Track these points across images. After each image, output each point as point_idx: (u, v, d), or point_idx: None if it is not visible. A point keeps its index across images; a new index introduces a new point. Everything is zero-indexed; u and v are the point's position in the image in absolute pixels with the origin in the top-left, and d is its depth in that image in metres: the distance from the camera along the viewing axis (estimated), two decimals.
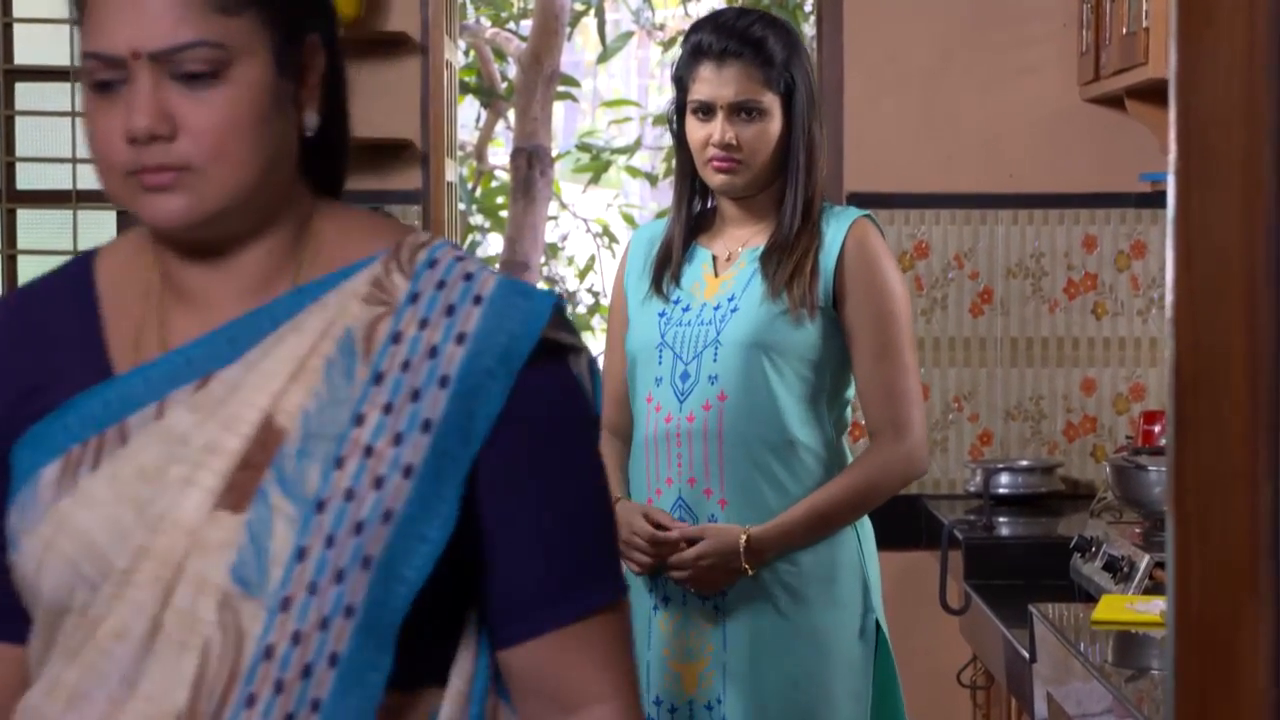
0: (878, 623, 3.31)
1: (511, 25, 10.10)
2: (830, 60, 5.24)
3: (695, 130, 3.26)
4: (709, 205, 3.39)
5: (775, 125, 3.25)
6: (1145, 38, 4.30)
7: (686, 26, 9.87)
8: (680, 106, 3.30)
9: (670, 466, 3.24)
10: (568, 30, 9.34)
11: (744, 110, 3.23)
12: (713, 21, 3.27)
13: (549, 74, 8.87)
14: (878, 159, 5.13)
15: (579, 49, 13.35)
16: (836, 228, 3.27)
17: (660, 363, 3.26)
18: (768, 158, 3.25)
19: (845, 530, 3.29)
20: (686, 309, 3.27)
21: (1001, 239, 5.12)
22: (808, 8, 9.64)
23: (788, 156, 3.27)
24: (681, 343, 3.25)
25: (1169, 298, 1.56)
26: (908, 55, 5.12)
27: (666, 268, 3.31)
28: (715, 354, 3.22)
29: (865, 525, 3.34)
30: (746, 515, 3.22)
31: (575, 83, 10.67)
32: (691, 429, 3.22)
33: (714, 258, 3.32)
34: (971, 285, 5.12)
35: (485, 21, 10.02)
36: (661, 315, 3.29)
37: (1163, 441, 4.32)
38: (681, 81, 3.28)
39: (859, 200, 5.10)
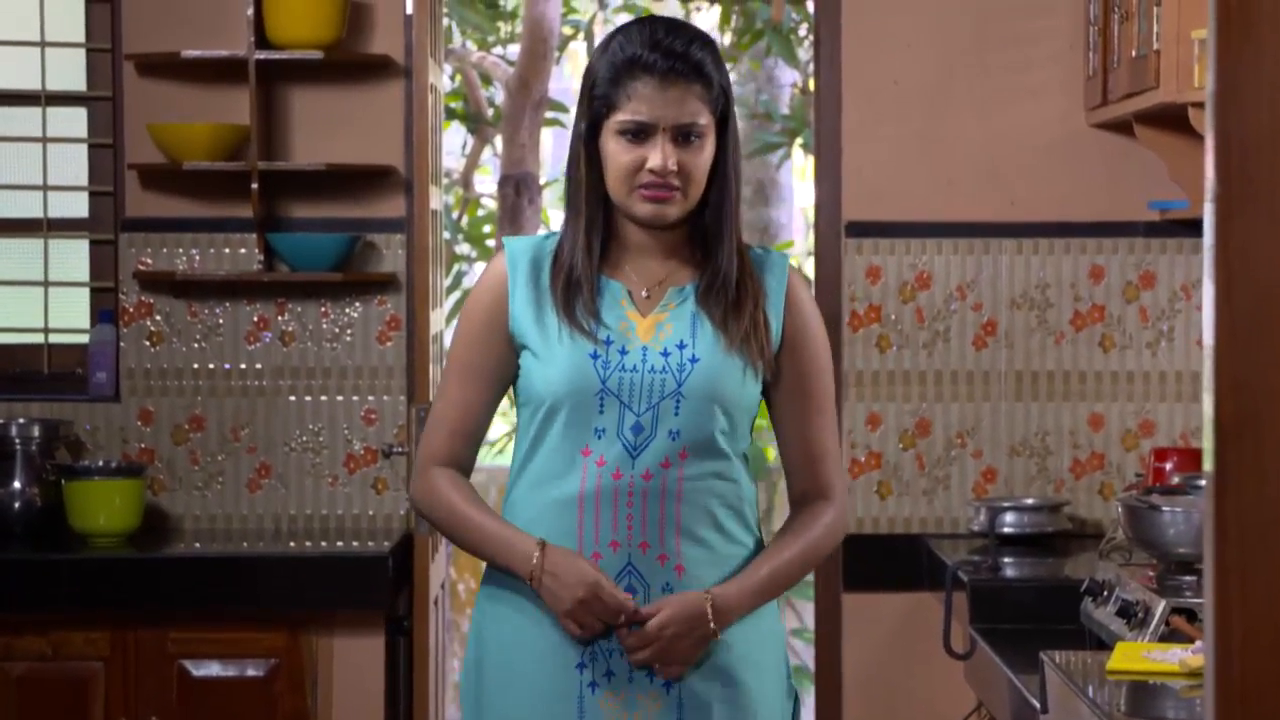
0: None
1: (499, 50, 10.04)
2: (828, 84, 5.18)
3: (621, 153, 3.03)
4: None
5: (710, 150, 3.06)
6: (1156, 60, 4.25)
7: None
8: (594, 123, 3.07)
9: (617, 529, 3.02)
10: (556, 55, 9.28)
11: (687, 133, 3.03)
12: (647, 37, 3.04)
13: (537, 100, 8.81)
14: (877, 186, 5.07)
15: (568, 76, 13.31)
16: (776, 276, 3.11)
17: (602, 412, 3.02)
18: (700, 186, 3.06)
19: (770, 604, 3.15)
20: (624, 352, 3.05)
21: (1005, 269, 5.06)
22: (803, 31, 9.59)
23: (716, 184, 3.08)
24: (631, 391, 3.03)
25: (1207, 336, 1.48)
26: (908, 79, 5.06)
27: (576, 300, 3.07)
28: (677, 407, 3.02)
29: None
30: (703, 582, 3.03)
31: (564, 109, 10.61)
32: (648, 488, 3.02)
33: (629, 292, 3.10)
34: (974, 317, 5.06)
35: (471, 46, 9.96)
36: (595, 357, 3.04)
37: (1175, 480, 4.25)
38: (605, 97, 3.05)
39: (858, 230, 5.04)
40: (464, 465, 3.17)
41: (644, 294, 3.10)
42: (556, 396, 3.04)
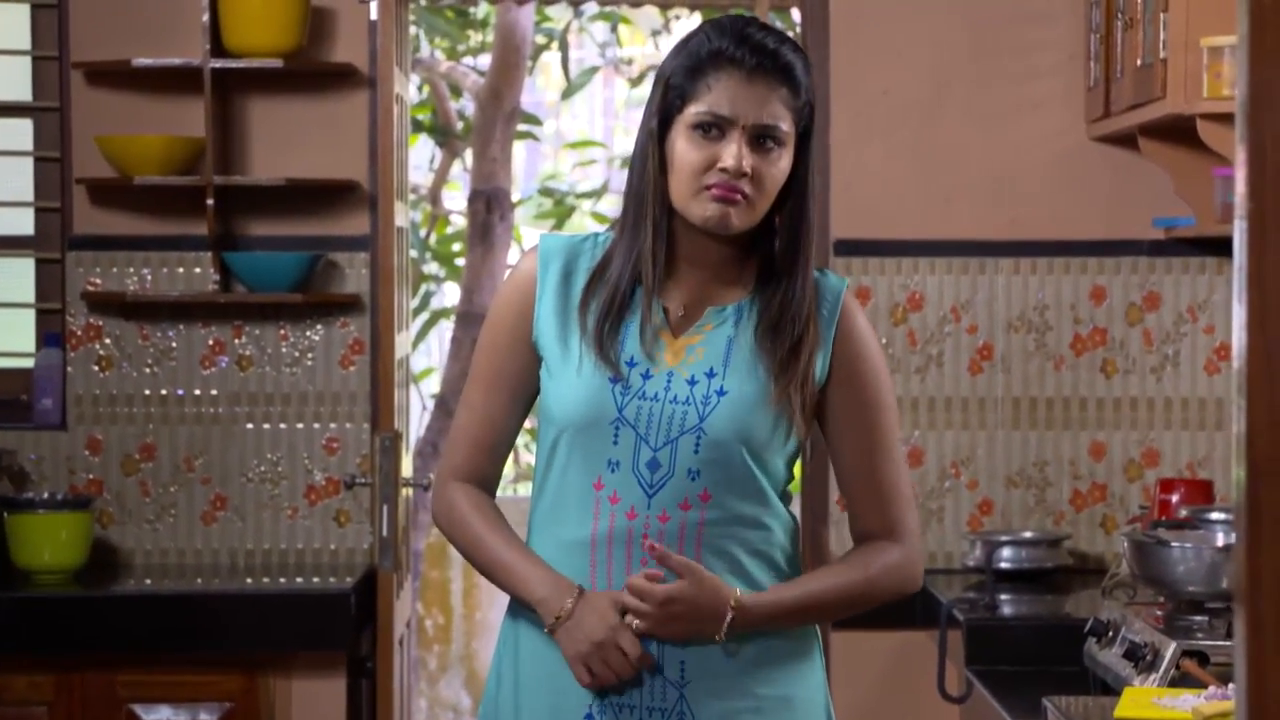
0: None
1: (469, 60, 9.98)
2: (816, 96, 5.12)
3: (692, 149, 2.89)
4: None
5: (787, 163, 2.92)
6: (1163, 70, 4.20)
7: (656, 63, 9.77)
8: (666, 117, 2.94)
9: (630, 573, 2.89)
10: (529, 65, 9.22)
11: (766, 137, 2.89)
12: (736, 33, 2.92)
13: (509, 111, 8.75)
14: (867, 203, 5.02)
15: (540, 89, 13.27)
16: (828, 305, 2.97)
17: (616, 443, 2.90)
18: (771, 199, 2.92)
19: (813, 659, 3.00)
20: (646, 376, 2.92)
21: (1002, 290, 5.02)
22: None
23: (791, 205, 2.94)
24: (648, 423, 2.90)
25: (1238, 363, 1.41)
26: (899, 89, 5.02)
27: (606, 320, 2.94)
28: (697, 444, 2.89)
29: (821, 649, 3.05)
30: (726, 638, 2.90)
31: (537, 121, 10.57)
32: (665, 530, 2.88)
33: (664, 309, 2.96)
34: (969, 340, 5.01)
35: (440, 55, 9.90)
36: (614, 382, 2.91)
37: (1183, 513, 4.20)
38: (680, 89, 2.92)
39: (847, 248, 4.99)
40: (487, 480, 3.06)
41: (680, 311, 2.98)
42: (568, 422, 2.93)
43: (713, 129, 2.90)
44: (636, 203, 2.98)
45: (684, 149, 2.91)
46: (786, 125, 2.91)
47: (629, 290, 2.96)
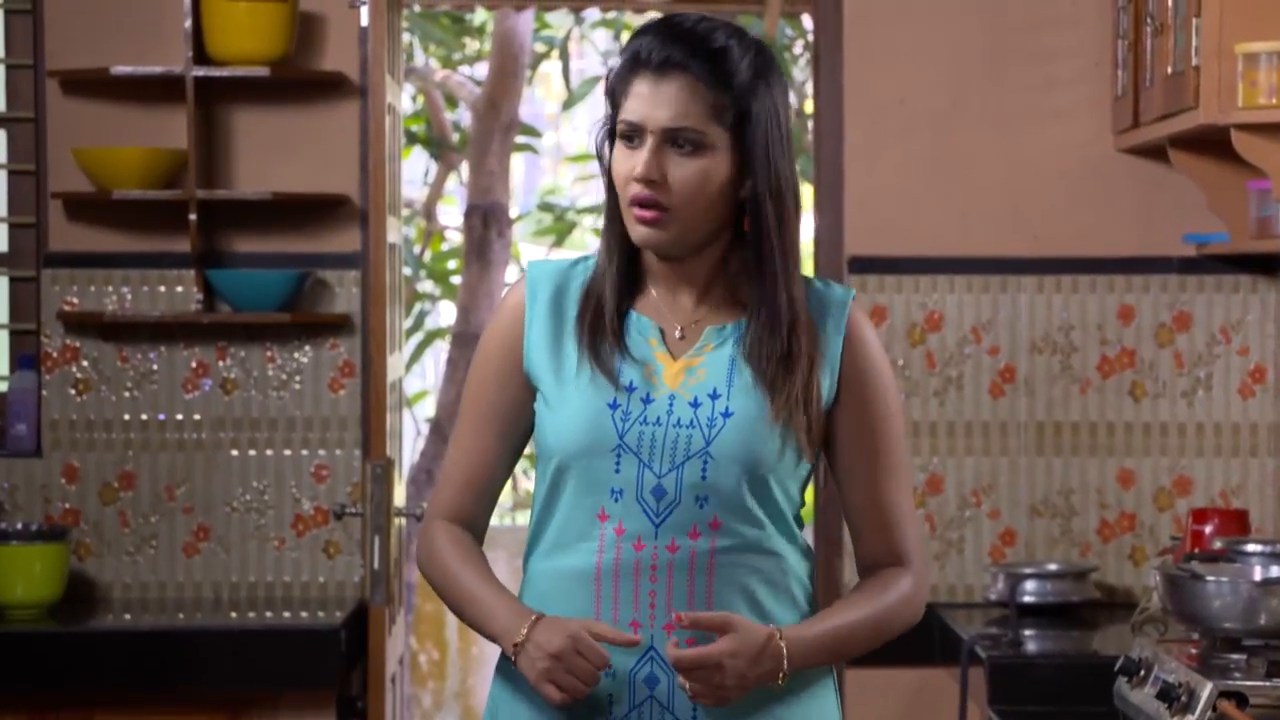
0: None
1: (465, 69, 9.96)
2: (828, 105, 5.11)
3: (619, 161, 2.88)
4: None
5: (721, 167, 2.86)
6: (1195, 78, 4.18)
7: None
8: (611, 130, 2.93)
9: (638, 608, 2.87)
10: (528, 75, 9.20)
11: (680, 141, 2.85)
12: (662, 26, 2.90)
13: (507, 123, 8.73)
14: (882, 218, 5.01)
15: (540, 100, 13.26)
16: (834, 319, 2.94)
17: (619, 470, 2.88)
18: (704, 209, 2.87)
19: (827, 692, 2.97)
20: (647, 399, 2.90)
21: (1025, 309, 5.00)
22: (798, 49, 9.52)
23: (749, 209, 2.89)
24: (651, 448, 2.88)
25: None
26: (916, 98, 5.00)
27: (600, 338, 2.92)
28: (704, 469, 2.87)
29: (835, 682, 3.02)
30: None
31: (536, 133, 10.55)
32: (674, 561, 2.86)
33: (660, 331, 2.95)
34: (991, 362, 4.99)
35: (435, 64, 9.88)
36: (614, 407, 2.89)
37: (1217, 544, 4.16)
38: (614, 97, 2.91)
39: (862, 265, 4.96)
40: (474, 521, 3.04)
41: (677, 333, 2.95)
42: (566, 452, 2.91)
43: (633, 138, 2.89)
44: (604, 220, 2.99)
45: (616, 161, 2.91)
46: (701, 124, 2.85)
47: (618, 308, 2.95)
